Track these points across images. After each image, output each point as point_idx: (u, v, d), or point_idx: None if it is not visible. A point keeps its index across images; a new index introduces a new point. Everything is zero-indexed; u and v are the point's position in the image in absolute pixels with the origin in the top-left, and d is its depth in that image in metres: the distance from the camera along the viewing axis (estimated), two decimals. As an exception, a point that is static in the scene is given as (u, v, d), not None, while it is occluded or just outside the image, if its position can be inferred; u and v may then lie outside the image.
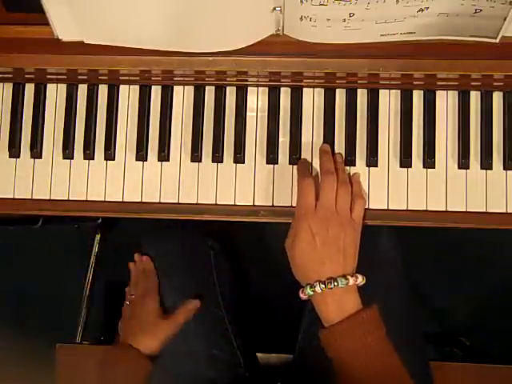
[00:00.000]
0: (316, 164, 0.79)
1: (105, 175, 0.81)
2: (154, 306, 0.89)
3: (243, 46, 0.74)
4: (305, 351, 0.90)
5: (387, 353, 0.69)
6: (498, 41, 0.71)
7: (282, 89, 0.81)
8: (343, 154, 0.79)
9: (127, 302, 0.93)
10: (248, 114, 0.81)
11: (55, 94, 0.82)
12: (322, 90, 0.80)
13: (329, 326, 0.70)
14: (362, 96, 0.80)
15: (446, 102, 0.80)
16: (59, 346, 0.95)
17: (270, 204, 0.79)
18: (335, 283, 0.69)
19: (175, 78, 0.80)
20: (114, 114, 0.81)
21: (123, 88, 0.82)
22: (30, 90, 0.82)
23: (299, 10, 0.68)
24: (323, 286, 0.69)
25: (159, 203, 0.80)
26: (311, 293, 0.70)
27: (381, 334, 0.69)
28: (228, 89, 0.81)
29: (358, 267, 0.73)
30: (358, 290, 0.71)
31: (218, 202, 0.80)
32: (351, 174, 0.79)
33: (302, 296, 0.72)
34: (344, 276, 0.70)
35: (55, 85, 0.82)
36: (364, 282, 0.71)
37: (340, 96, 0.80)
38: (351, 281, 0.70)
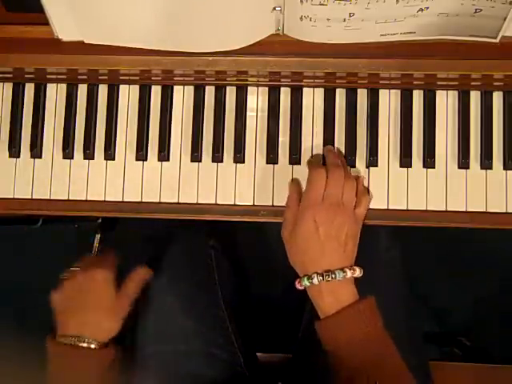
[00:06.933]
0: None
1: (105, 175, 0.81)
2: (107, 277, 0.76)
3: (243, 46, 0.74)
4: (305, 350, 0.91)
5: (384, 343, 0.69)
6: (498, 41, 0.71)
7: (282, 89, 0.81)
8: (343, 154, 0.79)
9: (65, 278, 0.78)
10: (248, 113, 0.81)
11: (55, 94, 0.82)
12: (322, 90, 0.80)
13: (325, 317, 0.70)
14: (361, 96, 0.80)
15: (446, 102, 0.80)
16: (49, 337, 0.85)
17: (270, 204, 0.79)
18: (333, 275, 0.69)
19: (175, 78, 0.80)
20: (113, 113, 0.81)
21: (123, 88, 0.82)
22: (29, 89, 0.82)
23: (299, 9, 0.68)
24: (321, 278, 0.69)
25: (159, 203, 0.80)
26: (308, 284, 0.70)
27: (378, 325, 0.69)
28: (228, 89, 0.81)
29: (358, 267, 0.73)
30: (356, 287, 0.71)
31: (218, 202, 0.80)
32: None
33: (298, 286, 0.72)
34: (342, 269, 0.70)
35: (55, 85, 0.82)
36: (361, 274, 0.71)
37: (340, 96, 0.80)
38: (349, 273, 0.70)
